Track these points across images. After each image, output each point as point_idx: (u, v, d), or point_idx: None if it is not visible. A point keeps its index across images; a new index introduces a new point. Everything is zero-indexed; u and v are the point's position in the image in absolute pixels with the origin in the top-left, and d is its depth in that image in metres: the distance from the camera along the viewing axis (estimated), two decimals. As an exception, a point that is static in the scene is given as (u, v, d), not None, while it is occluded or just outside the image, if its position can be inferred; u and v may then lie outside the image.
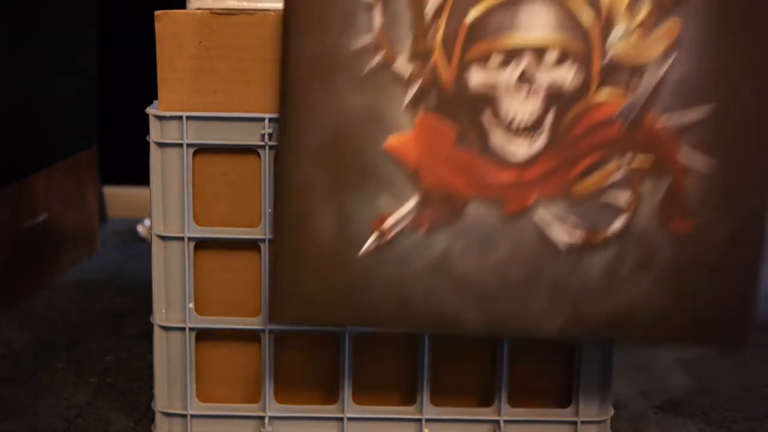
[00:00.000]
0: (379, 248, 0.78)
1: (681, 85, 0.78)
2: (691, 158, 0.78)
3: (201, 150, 0.92)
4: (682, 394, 1.13)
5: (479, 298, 0.79)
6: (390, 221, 0.78)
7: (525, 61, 0.77)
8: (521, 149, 0.79)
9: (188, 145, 0.91)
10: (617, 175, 0.79)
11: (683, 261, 0.79)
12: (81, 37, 1.61)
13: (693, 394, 1.13)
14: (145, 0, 1.80)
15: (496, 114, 0.78)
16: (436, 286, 0.79)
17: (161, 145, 0.92)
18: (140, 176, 1.48)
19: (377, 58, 0.77)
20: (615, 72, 0.78)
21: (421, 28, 0.77)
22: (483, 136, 0.78)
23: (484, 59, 0.77)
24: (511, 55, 0.77)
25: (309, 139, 0.78)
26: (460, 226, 0.79)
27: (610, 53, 0.77)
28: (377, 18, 0.76)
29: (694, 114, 0.78)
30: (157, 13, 0.89)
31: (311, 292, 0.79)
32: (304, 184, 0.78)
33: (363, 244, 0.78)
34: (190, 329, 0.94)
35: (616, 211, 0.79)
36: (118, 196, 1.83)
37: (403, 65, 0.77)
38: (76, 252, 1.58)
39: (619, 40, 0.77)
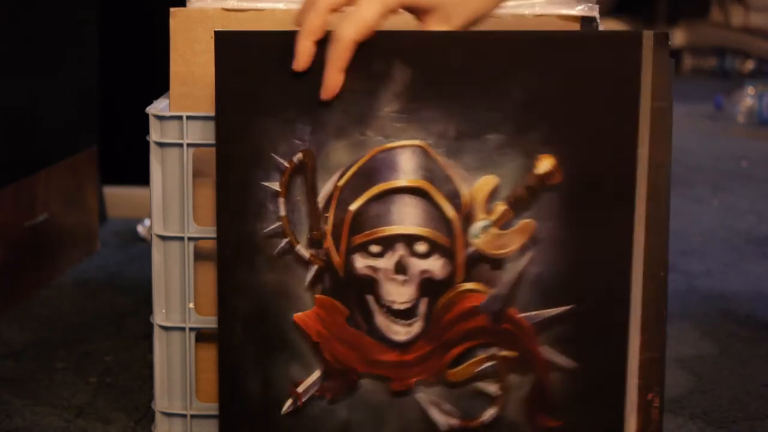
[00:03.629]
0: (297, 410, 0.87)
1: (539, 284, 0.82)
2: (553, 355, 0.83)
3: (201, 150, 0.92)
4: (682, 394, 1.13)
5: None
6: (301, 388, 0.87)
7: (399, 252, 0.84)
8: (401, 331, 0.85)
9: (188, 145, 0.92)
10: (486, 365, 0.84)
11: None
12: (81, 36, 1.61)
13: (693, 394, 1.13)
14: (146, 0, 1.81)
15: (378, 298, 0.85)
16: None
17: (161, 145, 0.92)
18: (140, 176, 1.47)
19: (284, 242, 0.85)
20: (477, 264, 0.83)
21: (315, 217, 0.85)
22: (368, 317, 0.85)
23: (365, 247, 0.84)
24: (388, 244, 0.84)
25: (238, 310, 0.87)
26: (356, 399, 0.86)
27: (472, 247, 0.83)
28: (281, 207, 0.85)
29: (552, 313, 0.82)
30: (172, 9, 0.93)
31: None
32: (237, 349, 0.88)
33: (284, 405, 0.87)
34: (190, 329, 0.94)
35: (487, 399, 0.85)
36: (118, 196, 1.83)
37: (303, 249, 0.85)
38: (76, 252, 1.58)
39: (479, 234, 0.82)
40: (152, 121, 0.92)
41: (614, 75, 0.80)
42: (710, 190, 2.23)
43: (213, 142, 0.91)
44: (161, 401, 0.96)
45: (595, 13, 0.92)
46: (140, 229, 1.71)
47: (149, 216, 0.95)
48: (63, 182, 1.54)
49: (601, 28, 0.92)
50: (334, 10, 0.81)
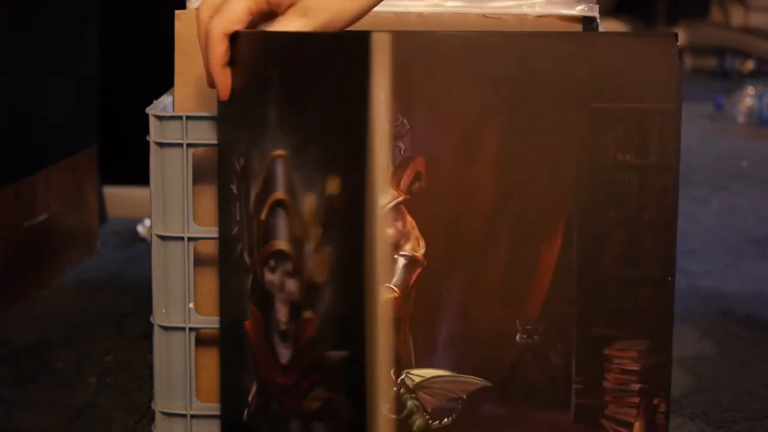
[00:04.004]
0: (250, 418, 0.84)
1: (337, 321, 0.73)
2: (344, 406, 0.74)
3: (201, 150, 0.92)
4: (682, 394, 1.13)
5: None
6: (250, 397, 0.84)
7: (281, 268, 0.77)
8: (283, 354, 0.78)
9: (188, 145, 0.92)
10: (318, 404, 0.76)
11: None
12: (81, 36, 1.61)
13: (693, 394, 1.13)
14: (146, 0, 1.81)
15: (275, 315, 0.78)
16: None
17: (161, 145, 0.92)
18: (140, 176, 1.48)
19: (239, 246, 0.83)
20: (311, 291, 0.74)
21: (249, 224, 0.81)
22: (270, 334, 0.79)
23: (267, 260, 0.78)
24: (277, 259, 0.77)
25: (223, 313, 0.86)
26: (270, 419, 0.80)
27: (307, 270, 0.74)
28: (237, 210, 0.82)
29: (336, 357, 0.73)
30: (177, 12, 0.94)
31: None
32: (225, 351, 0.87)
33: (244, 412, 0.85)
34: (190, 329, 0.94)
35: None
36: (118, 196, 1.83)
37: (246, 256, 0.81)
38: (76, 252, 1.58)
39: (308, 258, 0.74)
40: (152, 121, 0.92)
41: (347, 83, 0.71)
42: (710, 190, 2.23)
43: (213, 142, 0.91)
44: (161, 401, 0.96)
45: (596, 13, 0.92)
46: (140, 229, 1.71)
47: (149, 216, 0.95)
48: (63, 182, 1.54)
49: (601, 28, 0.92)
50: (214, 14, 0.81)
